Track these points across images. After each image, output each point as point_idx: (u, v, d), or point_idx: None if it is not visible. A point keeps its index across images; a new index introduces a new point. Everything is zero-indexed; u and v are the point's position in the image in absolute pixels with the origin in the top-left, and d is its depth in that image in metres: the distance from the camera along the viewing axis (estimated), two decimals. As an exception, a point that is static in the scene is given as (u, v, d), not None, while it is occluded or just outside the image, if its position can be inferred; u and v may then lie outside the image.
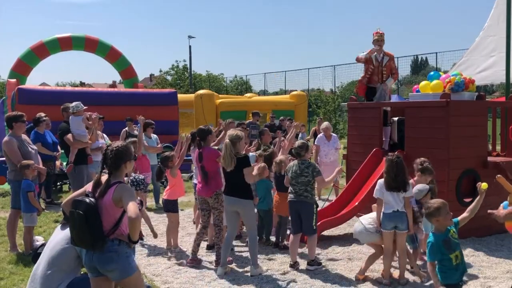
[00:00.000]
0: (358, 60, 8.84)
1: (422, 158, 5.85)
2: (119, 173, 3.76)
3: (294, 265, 5.86)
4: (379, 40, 8.58)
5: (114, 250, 3.60)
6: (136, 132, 10.87)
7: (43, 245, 5.72)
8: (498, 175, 4.87)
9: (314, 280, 5.52)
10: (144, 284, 4.57)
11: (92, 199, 3.65)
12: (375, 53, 8.60)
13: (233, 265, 6.01)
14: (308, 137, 14.34)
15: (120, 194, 3.58)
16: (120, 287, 3.93)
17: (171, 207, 6.70)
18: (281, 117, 14.63)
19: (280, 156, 6.94)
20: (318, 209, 6.17)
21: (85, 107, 7.83)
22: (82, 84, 44.39)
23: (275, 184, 6.84)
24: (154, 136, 9.44)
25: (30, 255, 6.00)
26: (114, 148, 3.74)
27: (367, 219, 5.53)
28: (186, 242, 7.01)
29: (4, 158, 6.98)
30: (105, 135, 9.60)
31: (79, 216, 3.54)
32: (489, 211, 3.94)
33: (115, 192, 3.61)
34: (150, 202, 9.67)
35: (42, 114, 8.94)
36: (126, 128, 10.73)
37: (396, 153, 5.96)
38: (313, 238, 5.86)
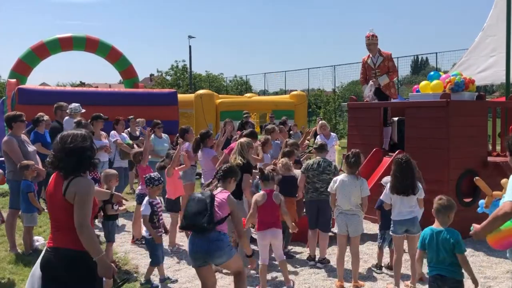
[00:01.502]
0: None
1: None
2: (226, 184, 4.73)
3: (312, 259, 6.00)
4: (369, 44, 8.61)
5: (221, 239, 4.32)
6: (137, 133, 10.87)
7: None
8: (476, 178, 4.73)
9: (314, 279, 5.53)
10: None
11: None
12: (370, 57, 8.66)
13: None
14: (309, 137, 14.32)
15: (233, 206, 4.52)
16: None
17: (172, 206, 6.76)
18: (283, 117, 14.64)
19: (283, 159, 6.50)
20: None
21: (83, 110, 7.82)
22: (82, 84, 43.93)
23: (282, 187, 6.07)
24: (164, 135, 9.42)
25: (30, 255, 6.00)
26: (225, 167, 4.81)
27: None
28: (185, 242, 7.00)
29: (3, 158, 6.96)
30: (116, 134, 9.58)
31: (206, 197, 4.30)
32: (471, 233, 3.60)
33: (229, 200, 4.50)
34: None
35: (42, 114, 8.92)
36: (129, 129, 10.72)
37: (404, 153, 5.84)
38: (326, 236, 6.04)
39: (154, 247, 5.41)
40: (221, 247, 4.29)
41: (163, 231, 5.58)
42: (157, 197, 5.67)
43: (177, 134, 8.47)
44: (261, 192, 5.35)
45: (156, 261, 5.40)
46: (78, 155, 3.25)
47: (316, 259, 6.07)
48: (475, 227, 3.56)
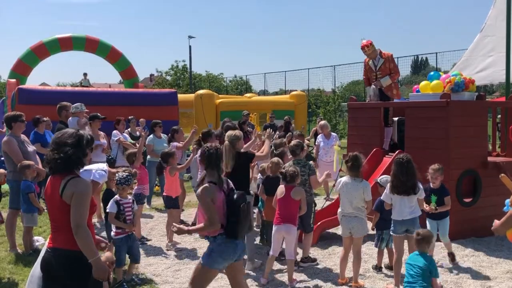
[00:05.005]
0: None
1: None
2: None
3: (296, 264, 5.86)
4: (367, 53, 8.62)
5: None
6: (138, 134, 10.86)
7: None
8: (502, 174, 4.74)
9: (314, 279, 5.52)
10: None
11: None
12: (371, 60, 8.68)
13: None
14: (309, 137, 14.32)
15: None
16: None
17: (172, 203, 6.90)
18: (286, 117, 14.62)
19: (274, 158, 6.37)
20: (321, 208, 6.13)
21: (85, 110, 7.82)
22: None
23: (267, 187, 6.13)
24: (164, 135, 9.43)
25: (30, 255, 5.99)
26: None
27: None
28: (186, 242, 7.01)
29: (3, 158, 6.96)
30: (118, 133, 9.57)
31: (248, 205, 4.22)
32: (492, 228, 3.83)
33: None
34: (157, 201, 9.74)
35: (42, 116, 8.93)
36: (129, 129, 10.72)
37: (405, 153, 5.81)
38: (309, 236, 6.00)
39: (117, 248, 5.35)
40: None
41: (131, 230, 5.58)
42: (128, 196, 5.68)
43: (168, 135, 8.59)
44: (281, 186, 5.54)
45: (118, 263, 5.23)
46: (60, 152, 3.21)
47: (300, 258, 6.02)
48: (495, 222, 3.74)
